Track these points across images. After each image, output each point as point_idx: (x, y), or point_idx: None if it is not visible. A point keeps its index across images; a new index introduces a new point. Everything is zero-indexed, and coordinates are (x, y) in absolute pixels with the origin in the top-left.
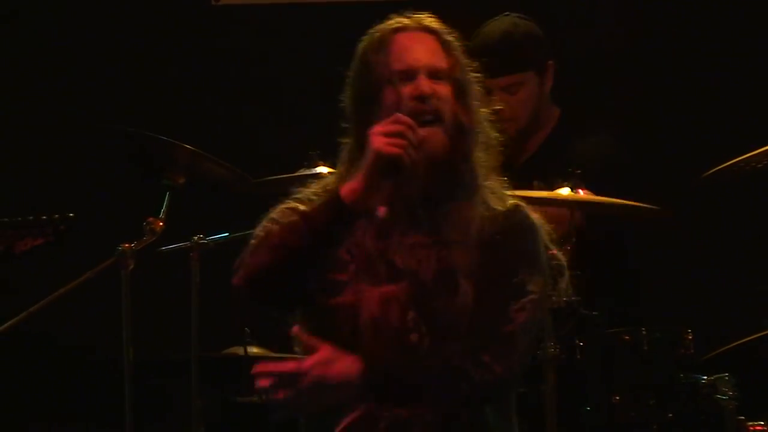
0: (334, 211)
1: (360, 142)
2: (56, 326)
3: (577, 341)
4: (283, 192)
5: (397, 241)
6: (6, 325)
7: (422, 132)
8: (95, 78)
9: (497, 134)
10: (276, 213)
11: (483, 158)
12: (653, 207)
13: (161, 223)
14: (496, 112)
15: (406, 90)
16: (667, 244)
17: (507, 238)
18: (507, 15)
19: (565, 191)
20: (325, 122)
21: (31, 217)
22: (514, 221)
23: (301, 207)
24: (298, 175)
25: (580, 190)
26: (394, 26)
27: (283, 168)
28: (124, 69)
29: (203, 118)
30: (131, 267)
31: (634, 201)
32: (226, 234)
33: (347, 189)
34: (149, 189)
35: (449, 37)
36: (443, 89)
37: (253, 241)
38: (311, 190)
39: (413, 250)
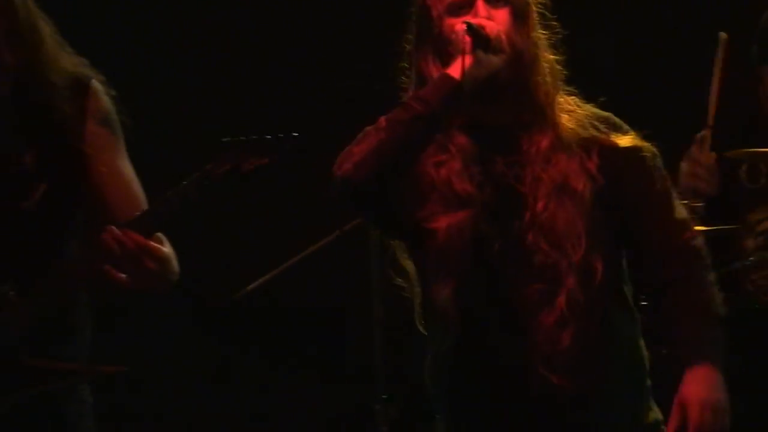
0: (445, 89)
1: (421, 82)
2: (304, 285)
3: None
4: None
5: (472, 167)
6: (257, 282)
7: (482, 57)
8: None
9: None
10: None
11: (548, 82)
12: None
13: None
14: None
15: (463, 19)
16: None
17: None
18: None
19: None
20: None
21: (255, 137)
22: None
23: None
24: None
25: None
26: None
27: None
28: None
29: None
30: None
31: None
32: None
33: (455, 69)
34: None
35: None
36: (501, 14)
37: (359, 135)
38: None
39: (489, 173)
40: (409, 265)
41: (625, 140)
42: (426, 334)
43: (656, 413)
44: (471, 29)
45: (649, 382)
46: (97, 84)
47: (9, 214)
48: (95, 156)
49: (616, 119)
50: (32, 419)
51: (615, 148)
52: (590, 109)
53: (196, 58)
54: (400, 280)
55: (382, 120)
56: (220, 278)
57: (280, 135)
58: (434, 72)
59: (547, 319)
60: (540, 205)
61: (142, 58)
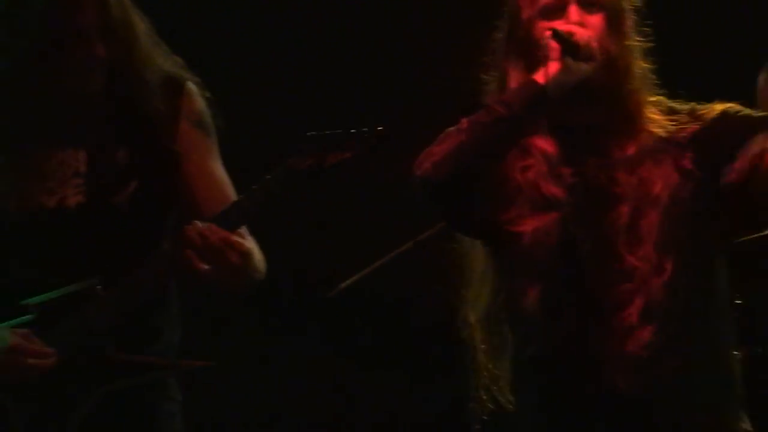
0: (530, 94)
1: (504, 84)
2: (398, 282)
3: None
4: None
5: (562, 169)
6: (352, 278)
7: (570, 64)
8: None
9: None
10: None
11: (639, 90)
12: None
13: None
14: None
15: (555, 24)
16: None
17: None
18: None
19: None
20: None
21: (339, 131)
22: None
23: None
24: None
25: None
26: None
27: None
28: None
29: None
30: None
31: None
32: None
33: (541, 74)
34: None
35: None
36: (595, 20)
37: (440, 136)
38: None
39: (576, 177)
40: (477, 266)
41: (711, 113)
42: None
43: (746, 425)
44: (558, 36)
45: (740, 391)
46: (192, 85)
47: (100, 208)
48: (187, 156)
49: (696, 105)
50: (122, 417)
51: (705, 129)
52: (673, 103)
53: (282, 51)
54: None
55: (464, 121)
56: (315, 275)
57: (363, 129)
58: (519, 75)
59: (629, 320)
60: (628, 209)
61: (230, 52)
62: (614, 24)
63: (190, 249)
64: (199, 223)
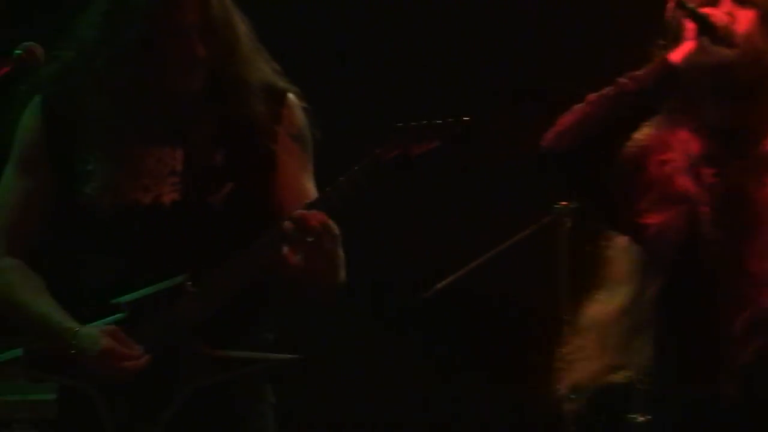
0: (659, 70)
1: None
2: (489, 283)
3: None
4: None
5: (703, 169)
6: (448, 279)
7: (706, 45)
8: None
9: None
10: None
11: None
12: None
13: None
14: None
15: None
16: None
17: None
18: None
19: None
20: None
21: (425, 121)
22: None
23: None
24: None
25: None
26: None
27: None
28: None
29: None
30: (568, 225)
31: None
32: None
33: (675, 53)
34: None
35: None
36: (745, 13)
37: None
38: None
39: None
40: (620, 266)
41: None
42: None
43: None
44: (693, 14)
45: None
46: (293, 97)
47: (194, 207)
48: (281, 167)
49: None
50: (211, 415)
51: None
52: None
53: (370, 43)
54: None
55: (591, 95)
56: (411, 276)
57: (449, 119)
58: (657, 55)
59: (742, 326)
60: (765, 216)
61: (318, 46)
62: (766, 22)
63: (285, 242)
64: (295, 213)
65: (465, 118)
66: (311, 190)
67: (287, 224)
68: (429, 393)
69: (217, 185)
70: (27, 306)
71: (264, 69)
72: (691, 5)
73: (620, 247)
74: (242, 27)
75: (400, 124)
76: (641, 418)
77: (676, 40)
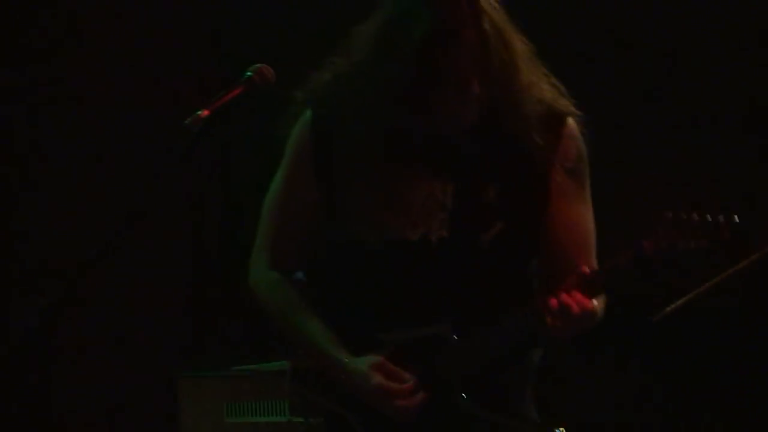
0: None
1: None
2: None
3: None
4: None
5: None
6: (678, 302)
7: None
8: None
9: None
10: None
11: None
12: None
13: None
14: None
15: None
16: None
17: None
18: None
19: None
20: None
21: (694, 214)
22: None
23: None
24: None
25: None
26: None
27: None
28: None
29: None
30: None
31: None
32: None
33: None
34: None
35: None
36: None
37: None
38: None
39: None
40: None
41: None
42: None
43: None
44: None
45: None
46: (572, 123)
47: (463, 246)
48: (555, 201)
49: None
50: None
51: None
52: None
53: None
54: None
55: None
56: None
57: (719, 215)
58: None
59: None
60: None
61: None
62: None
63: (550, 316)
64: (562, 294)
65: (735, 217)
66: (584, 222)
67: (553, 303)
68: (658, 417)
69: (488, 223)
70: (300, 324)
71: (542, 91)
72: None
73: None
74: (519, 46)
75: (669, 213)
76: None
77: None
